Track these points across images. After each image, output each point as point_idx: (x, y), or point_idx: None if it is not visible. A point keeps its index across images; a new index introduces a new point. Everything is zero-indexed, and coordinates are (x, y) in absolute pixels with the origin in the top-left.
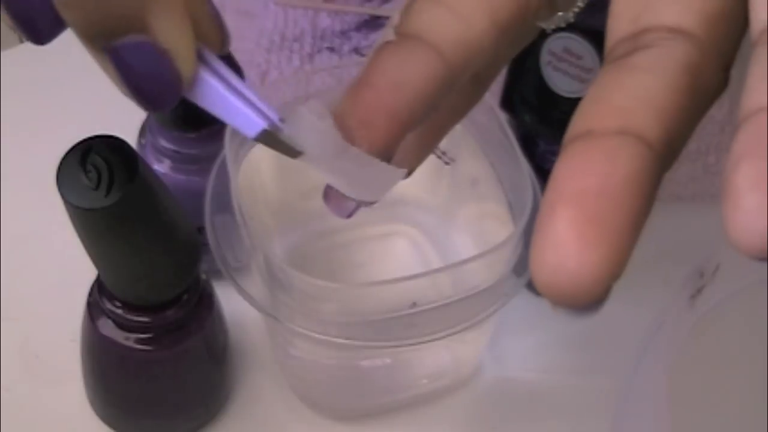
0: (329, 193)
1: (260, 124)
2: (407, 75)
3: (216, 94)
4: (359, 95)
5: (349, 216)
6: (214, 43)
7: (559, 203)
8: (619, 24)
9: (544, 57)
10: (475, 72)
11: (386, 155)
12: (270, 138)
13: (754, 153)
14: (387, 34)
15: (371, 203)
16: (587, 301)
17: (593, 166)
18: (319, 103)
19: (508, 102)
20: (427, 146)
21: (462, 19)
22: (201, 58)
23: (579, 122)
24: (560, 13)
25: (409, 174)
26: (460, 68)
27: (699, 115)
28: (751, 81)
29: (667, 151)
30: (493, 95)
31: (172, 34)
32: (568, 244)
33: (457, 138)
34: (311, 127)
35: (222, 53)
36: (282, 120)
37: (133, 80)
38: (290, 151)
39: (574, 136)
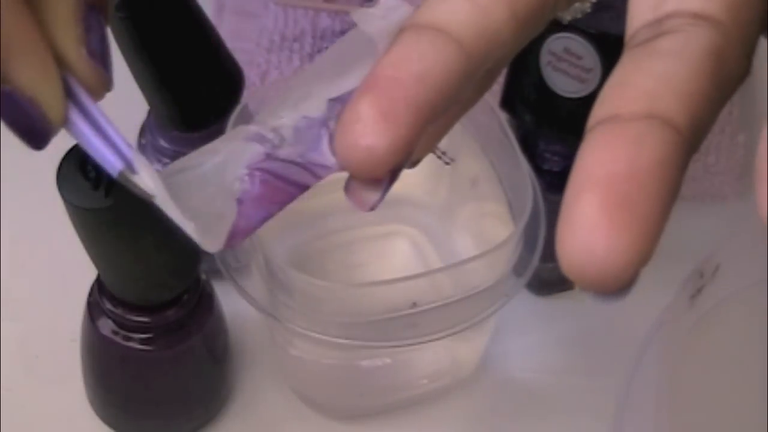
0: (350, 186)
1: (118, 168)
2: (429, 67)
3: (83, 136)
4: (381, 87)
5: (372, 209)
6: (93, 85)
7: (586, 187)
8: (640, 10)
9: (544, 57)
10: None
11: (409, 150)
12: (126, 179)
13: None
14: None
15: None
16: (615, 286)
17: (621, 151)
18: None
19: (508, 102)
20: (434, 139)
21: (481, 9)
22: (74, 99)
23: (604, 106)
24: (577, 4)
25: (414, 165)
26: (480, 59)
27: (723, 102)
28: None
29: (692, 136)
30: (493, 95)
31: (36, 84)
32: (597, 229)
33: (457, 138)
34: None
35: (103, 95)
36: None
37: (9, 123)
38: (143, 193)
39: (600, 119)
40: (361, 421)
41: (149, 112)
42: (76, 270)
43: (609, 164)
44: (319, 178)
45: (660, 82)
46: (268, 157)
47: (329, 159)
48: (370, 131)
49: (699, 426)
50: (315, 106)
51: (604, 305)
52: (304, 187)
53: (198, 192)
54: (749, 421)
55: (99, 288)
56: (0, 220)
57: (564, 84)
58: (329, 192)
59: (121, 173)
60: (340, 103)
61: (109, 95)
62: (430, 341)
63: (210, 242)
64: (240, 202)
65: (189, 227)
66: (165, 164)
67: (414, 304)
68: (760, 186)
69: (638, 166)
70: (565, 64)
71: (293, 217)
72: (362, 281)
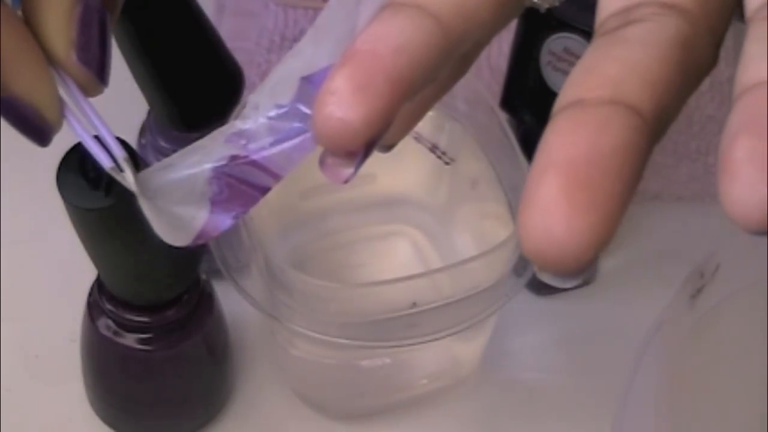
0: (325, 159)
1: (107, 165)
2: (407, 41)
3: (77, 134)
4: (357, 59)
5: (346, 182)
6: (85, 87)
7: (548, 170)
8: None
9: (544, 57)
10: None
11: (384, 124)
12: (115, 174)
13: (751, 128)
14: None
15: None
16: (573, 267)
17: (584, 135)
18: None
19: (508, 102)
20: (409, 122)
21: None
22: (69, 97)
23: (569, 91)
24: None
25: (389, 149)
26: (458, 37)
27: (689, 92)
28: (747, 57)
29: (657, 124)
30: (493, 95)
31: (32, 90)
32: (557, 210)
33: (457, 138)
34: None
35: (96, 94)
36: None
37: (14, 124)
38: (129, 188)
39: (565, 104)
40: (361, 421)
41: (149, 112)
42: (76, 270)
43: (571, 147)
44: (278, 178)
45: (625, 69)
46: (233, 159)
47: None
48: (345, 103)
49: (699, 426)
50: (288, 89)
51: (561, 286)
52: (265, 190)
53: (176, 191)
54: (749, 421)
55: (99, 288)
56: (0, 220)
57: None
58: (329, 192)
59: (110, 170)
60: (310, 83)
61: (109, 95)
62: (430, 341)
63: (179, 241)
64: (211, 205)
65: (157, 227)
66: None
67: (414, 304)
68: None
69: (600, 149)
70: (565, 64)
71: (293, 217)
72: (362, 281)
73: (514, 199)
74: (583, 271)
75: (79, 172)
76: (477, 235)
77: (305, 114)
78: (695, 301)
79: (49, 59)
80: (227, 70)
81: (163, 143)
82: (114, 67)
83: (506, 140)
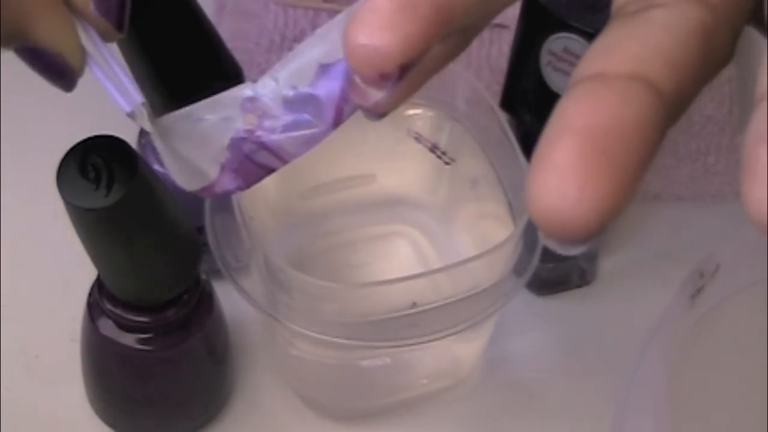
0: (356, 82)
1: (126, 109)
2: None
3: (99, 78)
4: None
5: (375, 108)
6: (104, 33)
7: (565, 133)
8: None
9: (544, 57)
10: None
11: (422, 48)
12: (133, 118)
13: None
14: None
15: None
16: (581, 234)
17: (604, 104)
18: None
19: (508, 102)
20: (408, 90)
21: None
22: (91, 44)
23: (588, 65)
24: None
25: (382, 116)
26: None
27: (705, 80)
28: None
29: (675, 105)
30: (493, 95)
31: (57, 38)
32: (572, 174)
33: (457, 138)
34: None
35: (114, 40)
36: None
37: (40, 71)
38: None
39: (583, 77)
40: (361, 421)
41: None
42: (76, 270)
43: (590, 115)
44: (284, 162)
45: (647, 48)
46: (248, 134)
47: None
48: (386, 20)
49: (699, 426)
50: (307, 74)
51: (565, 253)
52: (270, 170)
53: (193, 142)
54: (749, 421)
55: (99, 288)
56: (0, 220)
57: (564, 84)
58: (329, 192)
59: (129, 114)
60: (328, 71)
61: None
62: (430, 341)
63: (185, 185)
64: (222, 168)
65: (170, 166)
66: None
67: (414, 304)
68: (752, 180)
69: (620, 120)
70: (565, 64)
71: (293, 217)
72: (362, 281)
73: (514, 199)
74: (589, 239)
75: (79, 172)
76: (477, 235)
77: (319, 102)
78: (695, 301)
79: (70, 8)
80: (227, 70)
81: None
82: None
83: (506, 140)
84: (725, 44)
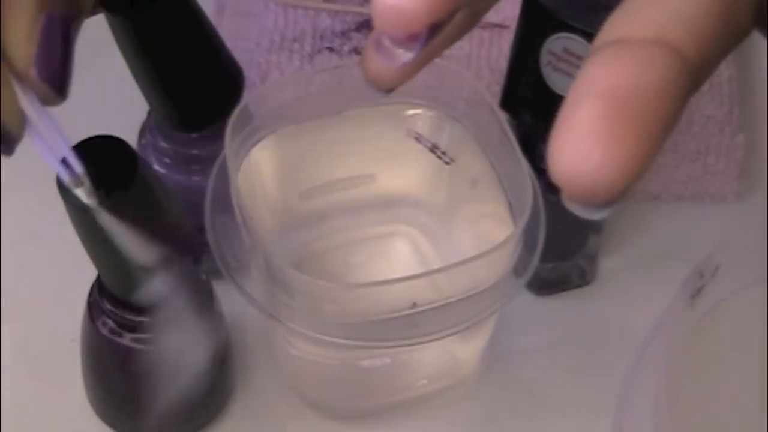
0: (382, 41)
1: (65, 177)
2: None
3: (39, 147)
4: None
5: (400, 68)
6: (46, 100)
7: (588, 96)
8: None
9: (544, 57)
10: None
11: (450, 10)
12: (73, 188)
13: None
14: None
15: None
16: (603, 196)
17: (627, 68)
18: None
19: (508, 102)
20: (427, 60)
21: None
22: (32, 109)
23: (610, 30)
24: None
25: (391, 91)
26: None
27: (726, 51)
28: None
29: (698, 71)
30: (493, 95)
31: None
32: (595, 136)
33: (458, 138)
34: None
35: (58, 104)
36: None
37: None
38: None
39: (605, 42)
40: (361, 421)
41: (149, 112)
42: (76, 270)
43: (613, 78)
44: None
45: (670, 14)
46: None
47: None
48: None
49: (699, 426)
50: None
51: (587, 216)
52: None
53: None
54: (749, 421)
55: (99, 288)
56: (0, 220)
57: (564, 84)
58: (329, 192)
59: (67, 183)
60: None
61: (109, 96)
62: (430, 341)
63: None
64: None
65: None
66: (165, 164)
67: (414, 304)
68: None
69: (643, 83)
70: (565, 64)
71: (293, 217)
72: (362, 281)
73: (514, 199)
74: (612, 202)
75: None
76: (477, 235)
77: None
78: (695, 301)
79: (11, 72)
80: (227, 71)
81: (163, 143)
82: (114, 67)
83: (506, 140)
84: (746, 18)
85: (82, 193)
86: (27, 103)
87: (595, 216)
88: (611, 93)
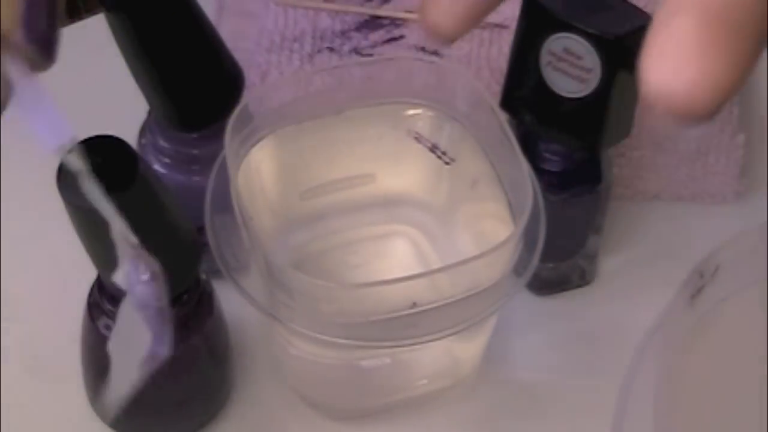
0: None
1: (54, 145)
2: None
3: (27, 115)
4: None
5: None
6: (34, 64)
7: (681, 11)
8: None
9: (544, 57)
10: None
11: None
12: (61, 155)
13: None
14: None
15: None
16: (701, 113)
17: None
18: None
19: (508, 102)
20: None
21: None
22: (19, 76)
23: None
24: None
25: (453, 41)
26: None
27: None
28: None
29: None
30: (493, 95)
31: None
32: (690, 50)
33: (458, 138)
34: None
35: (45, 70)
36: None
37: None
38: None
39: None
40: (361, 421)
41: (149, 112)
42: (76, 270)
43: None
44: None
45: None
46: None
47: None
48: None
49: (699, 426)
50: None
51: (683, 130)
52: None
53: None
54: (749, 421)
55: (99, 288)
56: (0, 220)
57: (564, 84)
58: (329, 192)
59: (54, 151)
60: None
61: (108, 95)
62: (430, 341)
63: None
64: None
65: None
66: (165, 164)
67: (414, 304)
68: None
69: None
70: (565, 64)
71: (293, 217)
72: (362, 281)
73: (514, 199)
74: (706, 118)
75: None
76: (477, 235)
77: None
78: (695, 301)
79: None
80: (227, 71)
81: (163, 143)
82: (114, 66)
83: (506, 140)
84: None
85: (74, 161)
86: (12, 70)
87: (692, 129)
88: (704, 8)
